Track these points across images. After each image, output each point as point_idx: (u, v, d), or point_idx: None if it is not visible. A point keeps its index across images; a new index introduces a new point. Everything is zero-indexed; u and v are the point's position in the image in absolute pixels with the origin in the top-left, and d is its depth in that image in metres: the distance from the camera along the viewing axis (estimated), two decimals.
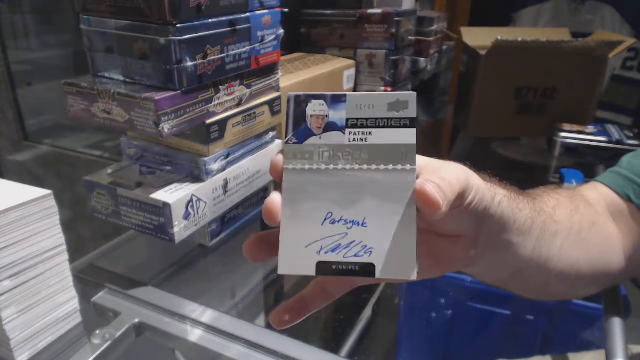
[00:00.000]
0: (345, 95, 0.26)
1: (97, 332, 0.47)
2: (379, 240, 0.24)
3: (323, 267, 0.24)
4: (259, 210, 0.68)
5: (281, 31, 0.60)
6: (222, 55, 0.52)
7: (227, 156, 0.57)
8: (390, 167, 0.25)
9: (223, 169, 0.57)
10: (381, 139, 0.25)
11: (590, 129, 0.96)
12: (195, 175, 0.55)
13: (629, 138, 0.93)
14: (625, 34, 1.56)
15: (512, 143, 1.08)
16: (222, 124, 0.55)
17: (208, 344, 0.47)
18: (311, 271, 0.24)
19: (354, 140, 0.25)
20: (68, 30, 1.16)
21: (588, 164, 0.91)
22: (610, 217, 0.42)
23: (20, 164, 1.19)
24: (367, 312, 0.71)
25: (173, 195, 0.51)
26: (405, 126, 0.25)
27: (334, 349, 0.57)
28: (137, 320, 0.49)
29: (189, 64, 0.48)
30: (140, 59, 0.49)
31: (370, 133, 0.25)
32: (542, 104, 1.03)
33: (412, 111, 0.25)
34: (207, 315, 0.50)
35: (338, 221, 0.25)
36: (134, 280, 0.55)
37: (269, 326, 0.49)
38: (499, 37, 0.94)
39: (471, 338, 0.69)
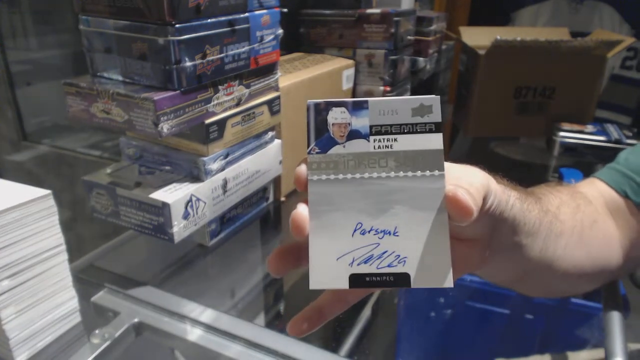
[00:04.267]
0: (367, 102, 0.25)
1: (97, 331, 0.47)
2: (412, 249, 0.24)
3: (357, 280, 0.24)
4: (258, 210, 0.68)
5: (280, 31, 0.60)
6: (221, 55, 0.52)
7: (227, 156, 0.57)
8: (419, 173, 0.24)
9: (222, 169, 0.57)
10: (407, 145, 0.25)
11: (590, 128, 0.96)
12: (195, 175, 0.55)
13: (628, 137, 0.93)
14: (625, 34, 1.56)
15: (511, 143, 1.09)
16: (221, 123, 0.55)
17: (207, 344, 0.47)
18: (344, 284, 0.24)
19: (379, 147, 0.25)
20: (67, 30, 1.16)
21: (587, 163, 0.91)
22: (609, 213, 0.43)
23: (19, 163, 1.19)
24: (367, 312, 0.71)
25: (172, 195, 0.51)
26: (430, 131, 0.25)
27: (334, 348, 0.57)
28: (136, 319, 0.49)
29: (188, 64, 0.48)
30: (139, 59, 0.49)
31: (395, 139, 0.25)
32: (541, 103, 1.03)
33: (437, 115, 0.25)
34: (207, 314, 0.50)
35: (369, 231, 0.24)
36: (133, 279, 0.55)
37: (268, 325, 0.49)
38: (498, 37, 0.95)
39: (470, 337, 0.69)
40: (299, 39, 0.96)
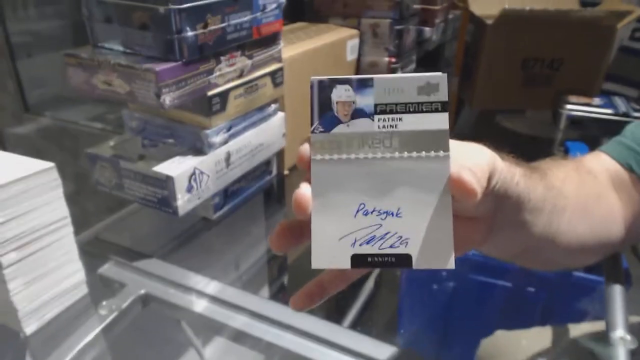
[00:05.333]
0: (372, 79, 0.25)
1: (104, 303, 0.47)
2: (415, 230, 0.24)
3: (358, 260, 0.24)
4: (262, 183, 0.68)
5: None
6: (223, 24, 0.51)
7: (229, 129, 0.57)
8: (423, 154, 0.24)
9: (225, 142, 0.56)
10: (412, 125, 0.24)
11: (597, 101, 0.95)
12: (198, 148, 0.54)
13: (635, 110, 0.92)
14: (635, 4, 1.52)
15: (517, 116, 1.07)
16: (224, 95, 0.54)
17: (213, 315, 0.48)
18: (346, 264, 0.24)
19: (384, 127, 0.24)
20: None
21: (593, 137, 0.90)
22: (612, 187, 0.42)
23: (22, 136, 1.19)
24: (370, 284, 0.72)
25: (176, 168, 0.51)
26: (436, 110, 0.24)
27: (337, 319, 0.58)
28: (142, 291, 0.50)
29: (190, 33, 0.47)
30: (140, 29, 0.48)
31: (400, 119, 0.24)
32: (548, 75, 1.01)
33: (443, 94, 0.24)
34: (212, 286, 0.51)
35: (371, 212, 0.24)
36: (138, 252, 0.56)
37: (272, 297, 0.50)
38: (506, 6, 0.92)
39: (472, 309, 0.69)
40: (302, 8, 0.94)
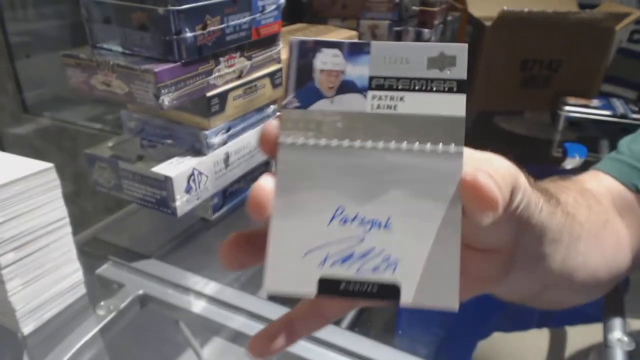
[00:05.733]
0: (368, 44, 0.19)
1: (102, 303, 0.47)
2: (408, 250, 0.18)
3: (327, 286, 0.18)
4: None
5: (282, 1, 0.59)
6: (222, 25, 0.51)
7: (228, 130, 0.57)
8: (428, 147, 0.18)
9: (224, 143, 0.56)
10: (417, 108, 0.19)
11: (595, 102, 0.95)
12: (197, 149, 0.54)
13: (633, 112, 0.92)
14: (634, 6, 1.52)
15: (516, 117, 1.07)
16: (223, 96, 0.54)
17: (211, 315, 0.48)
18: (310, 290, 0.18)
19: (379, 107, 0.19)
20: (66, 0, 1.14)
21: (592, 138, 0.90)
22: (616, 211, 0.38)
23: (20, 136, 1.19)
24: None
25: (174, 168, 0.51)
26: (451, 91, 0.19)
27: (335, 321, 0.58)
28: (141, 291, 0.50)
29: (189, 34, 0.47)
30: (139, 30, 0.48)
31: (401, 98, 0.19)
32: (547, 77, 1.02)
33: (461, 70, 0.19)
34: (210, 287, 0.51)
35: (352, 220, 0.18)
36: (137, 252, 0.55)
37: (271, 298, 0.50)
38: (505, 8, 0.92)
39: (470, 311, 0.69)
40: (301, 9, 0.94)
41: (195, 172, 0.53)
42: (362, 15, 0.89)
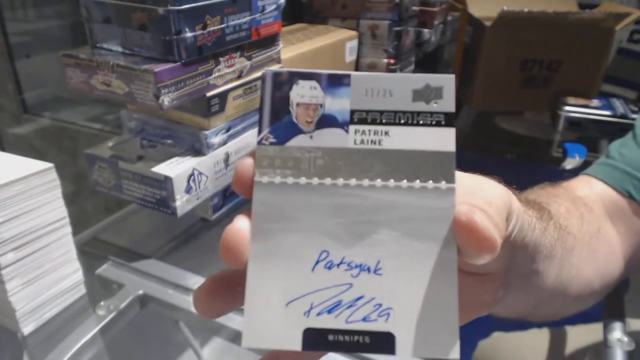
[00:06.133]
0: (348, 76, 0.18)
1: (102, 303, 0.47)
2: (401, 296, 0.17)
3: (314, 338, 0.17)
4: None
5: (282, 0, 0.59)
6: (222, 25, 0.51)
7: (228, 130, 0.57)
8: (417, 184, 0.17)
9: (224, 143, 0.56)
10: (403, 143, 0.18)
11: (595, 102, 0.95)
12: (197, 149, 0.54)
13: (633, 112, 0.92)
14: (634, 6, 1.52)
15: (516, 117, 1.08)
16: (223, 96, 0.54)
17: None
18: (295, 344, 0.17)
19: (363, 142, 0.18)
20: (66, 0, 1.14)
21: (592, 138, 0.90)
22: (608, 218, 0.38)
23: (20, 136, 1.19)
24: None
25: (174, 168, 0.51)
26: (438, 124, 0.18)
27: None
28: (141, 291, 0.50)
29: (189, 34, 0.47)
30: (139, 30, 0.48)
31: (386, 133, 0.18)
32: (547, 77, 1.02)
33: (448, 102, 0.18)
34: None
35: (338, 265, 0.17)
36: (137, 252, 0.55)
37: None
38: (505, 8, 0.92)
39: None
40: (301, 9, 0.94)
41: (195, 172, 0.53)
42: (362, 15, 0.89)
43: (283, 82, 0.18)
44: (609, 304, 0.45)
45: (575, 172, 0.55)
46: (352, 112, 0.18)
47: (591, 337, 0.50)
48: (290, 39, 0.77)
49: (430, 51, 1.14)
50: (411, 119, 0.18)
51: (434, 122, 0.18)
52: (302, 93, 0.18)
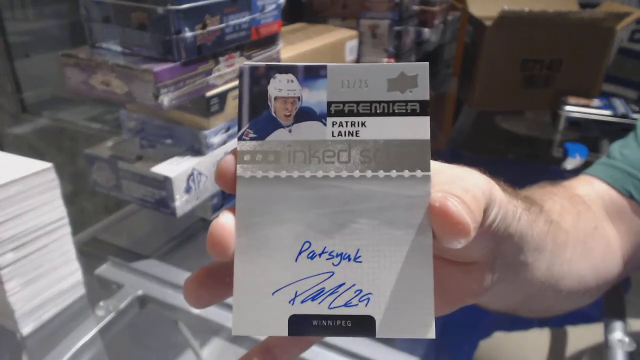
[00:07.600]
0: (324, 67, 0.18)
1: (101, 303, 0.47)
2: (380, 282, 0.18)
3: (299, 324, 0.18)
4: None
5: (282, 0, 0.59)
6: (222, 25, 0.51)
7: (228, 129, 0.57)
8: (394, 173, 0.18)
9: (224, 143, 0.56)
10: (380, 133, 0.18)
11: (596, 102, 0.95)
12: (196, 149, 0.54)
13: (634, 112, 0.92)
14: (635, 5, 1.52)
15: (516, 117, 1.07)
16: (222, 96, 0.54)
17: (210, 316, 0.48)
18: (282, 330, 0.18)
19: (340, 134, 0.18)
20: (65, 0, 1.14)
21: (592, 138, 0.90)
22: (607, 217, 0.38)
23: (19, 136, 1.18)
24: None
25: (174, 168, 0.51)
26: (414, 113, 0.18)
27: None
28: (140, 292, 0.50)
29: (188, 34, 0.47)
30: (139, 29, 0.47)
31: (363, 124, 0.18)
32: (547, 76, 1.01)
33: (423, 90, 0.18)
34: None
35: (320, 254, 0.18)
36: (136, 253, 0.55)
37: None
38: (505, 8, 0.92)
39: (470, 311, 0.69)
40: (301, 9, 0.94)
41: (195, 172, 0.53)
42: (362, 14, 0.89)
43: (260, 77, 0.18)
44: (609, 304, 0.45)
45: (575, 172, 0.55)
46: (329, 103, 0.18)
47: (592, 338, 0.50)
48: (290, 39, 0.77)
49: (430, 51, 1.14)
50: (387, 108, 0.18)
51: (409, 111, 0.18)
52: (280, 87, 0.18)
